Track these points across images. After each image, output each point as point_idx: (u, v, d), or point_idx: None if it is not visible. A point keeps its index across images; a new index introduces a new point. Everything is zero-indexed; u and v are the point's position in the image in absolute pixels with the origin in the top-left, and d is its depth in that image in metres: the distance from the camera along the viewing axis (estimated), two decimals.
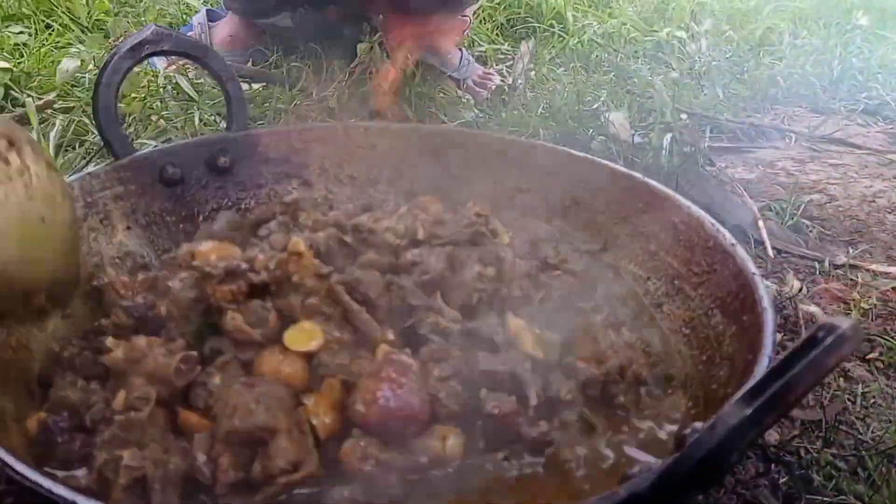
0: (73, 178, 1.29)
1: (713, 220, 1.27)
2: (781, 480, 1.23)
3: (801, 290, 1.68)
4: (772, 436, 1.34)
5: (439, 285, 1.17)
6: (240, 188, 1.47)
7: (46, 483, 0.79)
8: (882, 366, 1.56)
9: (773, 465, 1.28)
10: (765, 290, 1.10)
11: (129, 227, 1.35)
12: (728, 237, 1.23)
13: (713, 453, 0.67)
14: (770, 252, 1.91)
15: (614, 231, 1.43)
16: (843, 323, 0.68)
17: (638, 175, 1.42)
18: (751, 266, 1.16)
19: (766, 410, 0.66)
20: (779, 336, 1.62)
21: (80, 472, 0.97)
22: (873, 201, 2.13)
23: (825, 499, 1.20)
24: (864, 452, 1.30)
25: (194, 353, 1.05)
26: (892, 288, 1.78)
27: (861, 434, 1.37)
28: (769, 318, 1.03)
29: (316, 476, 0.96)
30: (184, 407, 1.02)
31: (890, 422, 1.39)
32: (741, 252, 1.19)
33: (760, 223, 1.99)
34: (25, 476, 0.80)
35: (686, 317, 1.25)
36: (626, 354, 1.16)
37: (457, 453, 1.01)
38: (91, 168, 1.33)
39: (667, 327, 1.27)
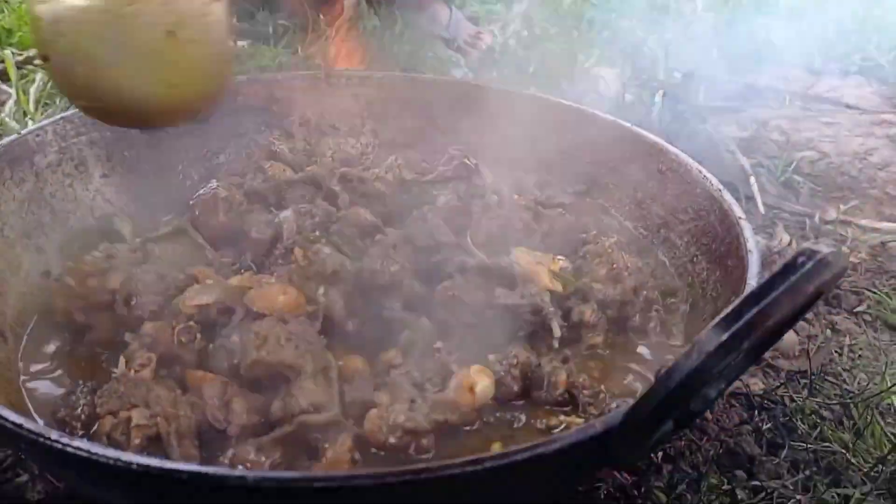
0: (45, 122, 1.26)
1: (700, 167, 1.25)
2: (765, 427, 1.22)
3: (790, 243, 1.67)
4: (757, 385, 1.33)
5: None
6: (219, 137, 1.44)
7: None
8: (870, 319, 1.55)
9: (756, 413, 1.27)
10: (750, 234, 1.08)
11: (105, 175, 1.32)
12: (715, 182, 1.21)
13: (688, 379, 0.66)
14: (761, 208, 1.89)
15: (601, 180, 1.41)
16: (825, 248, 0.66)
17: (626, 123, 1.39)
18: (737, 210, 1.14)
19: (741, 336, 0.65)
20: None
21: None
22: (865, 158, 2.10)
23: (809, 446, 1.19)
24: (849, 401, 1.28)
25: (193, 324, 1.02)
26: (882, 243, 1.77)
27: (847, 384, 1.36)
28: (753, 261, 1.01)
29: (336, 422, 0.92)
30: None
31: (876, 373, 1.38)
32: (728, 197, 1.17)
33: (752, 179, 1.97)
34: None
35: (671, 265, 1.23)
36: (638, 277, 1.16)
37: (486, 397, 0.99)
38: (65, 113, 1.29)
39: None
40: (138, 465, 0.68)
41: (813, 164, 2.08)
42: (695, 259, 1.19)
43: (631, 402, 0.72)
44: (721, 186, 1.19)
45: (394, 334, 1.06)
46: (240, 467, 0.88)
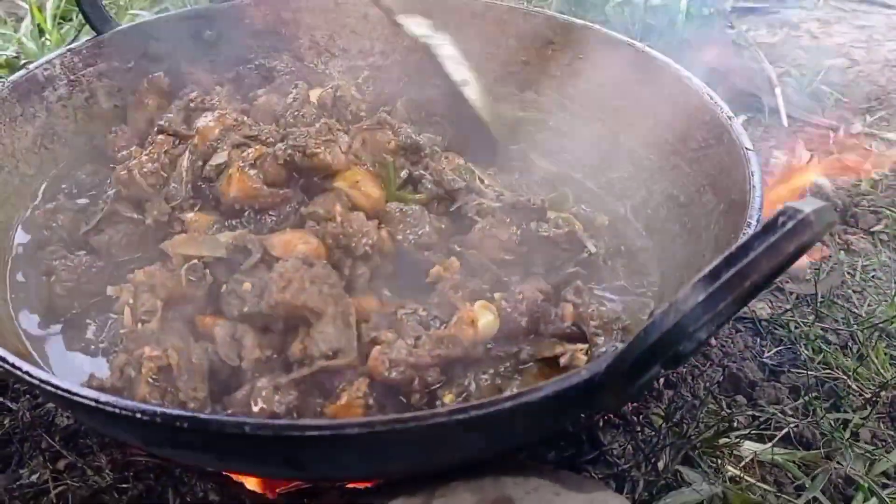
0: (52, 55, 1.26)
1: (712, 93, 1.22)
2: (767, 354, 1.24)
3: (808, 160, 1.64)
4: (764, 309, 1.34)
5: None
6: (230, 62, 1.43)
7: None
8: (886, 238, 1.54)
9: (761, 339, 1.29)
10: (757, 167, 1.06)
11: (116, 106, 1.33)
12: (725, 110, 1.18)
13: (665, 337, 0.67)
14: (784, 121, 1.85)
15: (613, 104, 1.38)
16: (807, 206, 0.66)
17: (638, 44, 1.35)
18: (745, 141, 1.11)
19: (720, 297, 0.65)
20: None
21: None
22: None
23: (810, 373, 1.21)
24: (854, 326, 1.29)
25: (197, 262, 1.02)
26: None
27: (857, 308, 1.36)
28: (756, 197, 1.00)
29: (353, 366, 0.95)
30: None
31: (887, 295, 1.38)
32: (737, 126, 1.15)
33: (777, 90, 1.92)
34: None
35: (679, 194, 1.22)
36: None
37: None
38: (73, 44, 1.29)
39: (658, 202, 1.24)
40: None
41: (842, 73, 2.01)
42: (702, 189, 1.18)
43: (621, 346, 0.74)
44: (731, 114, 1.17)
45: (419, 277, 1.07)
46: (255, 403, 0.91)
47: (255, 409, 0.91)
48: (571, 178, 1.34)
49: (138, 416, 0.72)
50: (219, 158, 1.14)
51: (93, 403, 0.74)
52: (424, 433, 0.73)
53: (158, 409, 0.73)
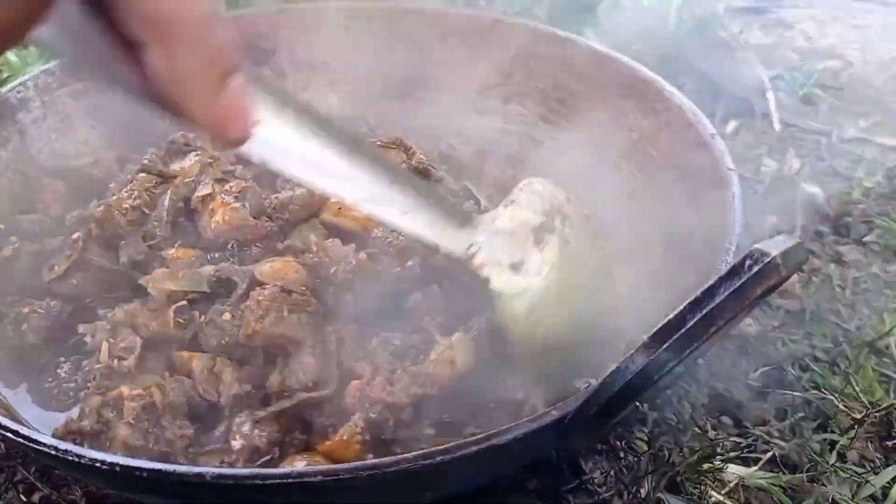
0: (25, 77, 1.25)
1: (695, 109, 1.20)
2: (752, 375, 1.22)
3: (799, 168, 1.62)
4: (752, 326, 1.32)
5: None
6: None
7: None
8: (878, 249, 1.51)
9: (748, 358, 1.27)
10: (738, 188, 1.04)
11: (92, 126, 1.31)
12: (708, 127, 1.16)
13: (631, 384, 0.66)
14: (776, 126, 1.83)
15: (597, 118, 1.36)
16: (775, 248, 0.64)
17: (623, 57, 1.33)
18: (727, 161, 1.09)
19: (685, 343, 0.64)
20: (775, 219, 1.57)
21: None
22: (891, 67, 2.00)
23: (796, 393, 1.19)
24: (842, 344, 1.27)
25: (185, 303, 1.01)
26: None
27: (846, 324, 1.34)
28: (737, 221, 0.98)
29: (332, 399, 0.92)
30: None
31: (879, 309, 1.35)
32: (720, 145, 1.13)
33: (769, 95, 1.90)
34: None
35: (663, 214, 1.20)
36: None
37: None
38: (45, 66, 1.28)
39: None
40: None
41: (836, 76, 1.98)
42: (686, 210, 1.16)
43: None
44: (714, 131, 1.15)
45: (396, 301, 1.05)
46: (234, 440, 0.90)
47: (236, 445, 0.90)
48: None
49: (98, 465, 0.71)
50: (203, 190, 1.13)
51: (52, 452, 0.73)
52: (390, 479, 0.72)
53: (119, 460, 0.71)
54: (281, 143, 0.63)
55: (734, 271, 0.64)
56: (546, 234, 0.89)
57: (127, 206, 1.11)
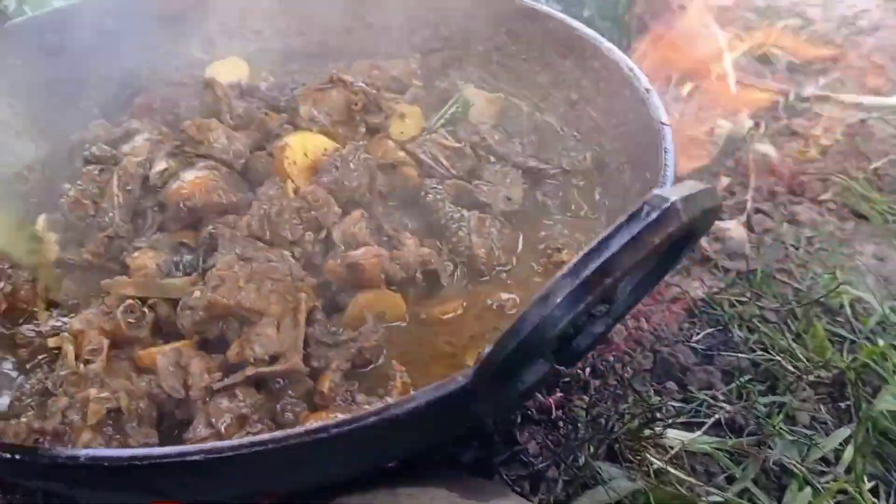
0: None
1: (631, 64, 1.15)
2: (696, 337, 1.18)
3: (750, 128, 1.57)
4: (698, 290, 1.28)
5: None
6: (134, 51, 1.36)
7: None
8: (834, 206, 1.47)
9: (696, 321, 1.23)
10: (671, 143, 1.00)
11: (11, 105, 1.26)
12: (643, 82, 1.11)
13: (529, 339, 0.61)
14: (732, 87, 1.78)
15: (537, 80, 1.32)
16: (674, 194, 0.60)
17: (560, 14, 1.28)
18: (661, 115, 1.05)
19: (580, 295, 0.59)
20: (726, 181, 1.53)
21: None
22: (853, 23, 1.95)
23: (742, 355, 1.15)
24: (792, 303, 1.23)
25: (134, 302, 0.96)
26: (861, 120, 1.66)
27: (799, 283, 1.30)
28: (667, 176, 0.94)
29: (299, 372, 0.89)
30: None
31: (832, 267, 1.32)
32: (654, 100, 1.08)
33: (726, 55, 1.85)
34: None
35: (600, 173, 1.16)
36: None
37: None
38: None
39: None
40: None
41: (795, 34, 1.94)
42: (621, 168, 1.12)
43: None
44: (649, 86, 1.10)
45: None
46: (219, 420, 0.85)
47: (224, 422, 0.86)
48: None
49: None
50: (159, 165, 1.09)
51: None
52: (282, 454, 0.68)
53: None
54: None
55: (632, 218, 0.60)
56: None
57: (73, 201, 1.07)
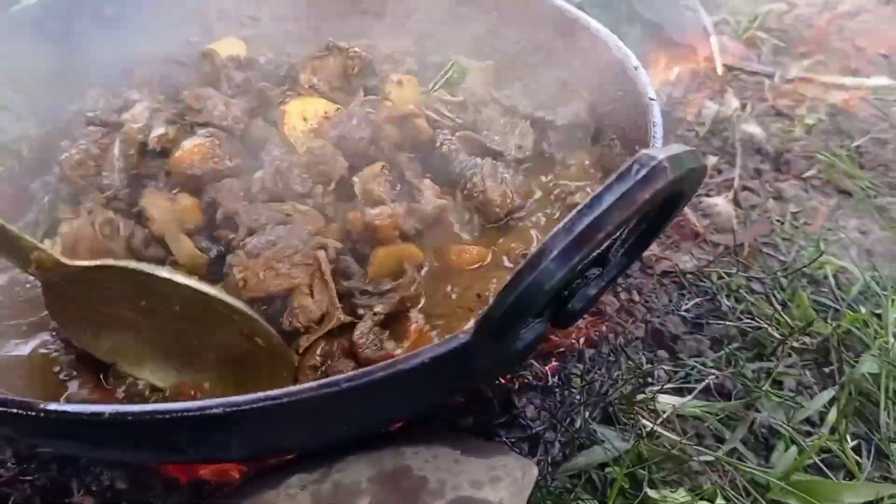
0: None
1: (620, 44, 1.19)
2: (685, 307, 1.22)
3: (736, 109, 1.61)
4: (689, 262, 1.32)
5: None
6: (136, 35, 1.38)
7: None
8: (819, 183, 1.52)
9: (686, 292, 1.27)
10: (659, 117, 1.04)
11: (14, 90, 1.28)
12: (632, 60, 1.15)
13: (526, 294, 0.65)
14: (719, 69, 1.82)
15: (530, 61, 1.35)
16: (662, 153, 0.64)
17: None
18: (650, 91, 1.08)
19: (573, 250, 0.63)
20: (715, 160, 1.57)
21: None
22: (835, 7, 2.00)
23: (730, 323, 1.19)
24: (777, 273, 1.28)
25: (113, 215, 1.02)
26: (844, 100, 1.70)
27: (784, 256, 1.35)
28: (658, 147, 0.98)
29: (343, 323, 0.94)
30: None
31: (816, 241, 1.36)
32: (643, 77, 1.12)
33: (712, 39, 1.89)
34: None
35: (594, 151, 1.20)
36: None
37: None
38: None
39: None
40: None
41: (780, 18, 1.98)
42: (612, 143, 1.16)
43: None
44: (638, 64, 1.14)
45: None
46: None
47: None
48: None
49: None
50: (157, 131, 1.11)
51: None
52: (288, 409, 0.71)
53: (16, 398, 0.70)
54: None
55: (622, 176, 0.63)
56: None
57: (75, 160, 1.09)
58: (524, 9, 1.35)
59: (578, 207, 0.64)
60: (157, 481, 1.00)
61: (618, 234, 0.78)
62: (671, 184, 0.64)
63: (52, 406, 0.70)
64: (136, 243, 1.03)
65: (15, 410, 0.71)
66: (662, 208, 0.75)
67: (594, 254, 0.66)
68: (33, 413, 0.70)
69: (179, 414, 0.68)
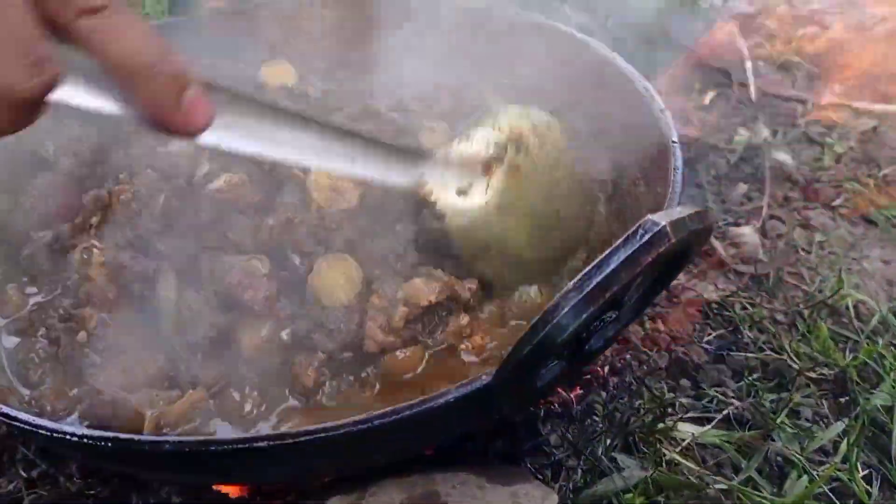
0: None
1: (646, 84, 1.24)
2: (706, 339, 1.27)
3: (765, 137, 1.65)
4: (713, 293, 1.37)
5: None
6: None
7: None
8: (846, 212, 1.55)
9: (710, 322, 1.32)
10: (681, 164, 1.09)
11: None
12: (658, 102, 1.20)
13: (540, 345, 0.72)
14: (752, 95, 1.86)
15: (567, 99, 1.40)
16: (664, 218, 0.70)
17: (576, 33, 1.37)
18: (672, 134, 1.14)
19: (582, 307, 0.70)
20: (745, 187, 1.61)
21: None
22: (871, 30, 2.01)
23: (751, 354, 1.24)
24: (800, 305, 1.32)
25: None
26: (873, 128, 1.73)
27: (808, 286, 1.38)
28: (676, 192, 1.03)
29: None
30: None
31: (842, 270, 1.39)
32: (667, 118, 1.17)
33: (747, 64, 1.93)
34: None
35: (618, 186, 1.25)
36: None
37: None
38: None
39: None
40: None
41: (813, 42, 2.00)
42: (637, 182, 1.21)
43: None
44: (663, 106, 1.19)
45: None
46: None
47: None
48: None
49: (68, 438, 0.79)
50: (202, 169, 1.16)
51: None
52: (324, 442, 0.79)
53: (80, 431, 0.79)
54: (235, 127, 0.72)
55: (628, 240, 0.70)
56: (496, 162, 1.03)
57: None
58: (552, 44, 1.40)
59: (587, 268, 0.70)
60: (208, 496, 1.09)
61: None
62: (673, 246, 0.70)
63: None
64: None
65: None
66: (670, 263, 0.81)
67: (604, 308, 0.72)
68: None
69: (232, 446, 0.77)
